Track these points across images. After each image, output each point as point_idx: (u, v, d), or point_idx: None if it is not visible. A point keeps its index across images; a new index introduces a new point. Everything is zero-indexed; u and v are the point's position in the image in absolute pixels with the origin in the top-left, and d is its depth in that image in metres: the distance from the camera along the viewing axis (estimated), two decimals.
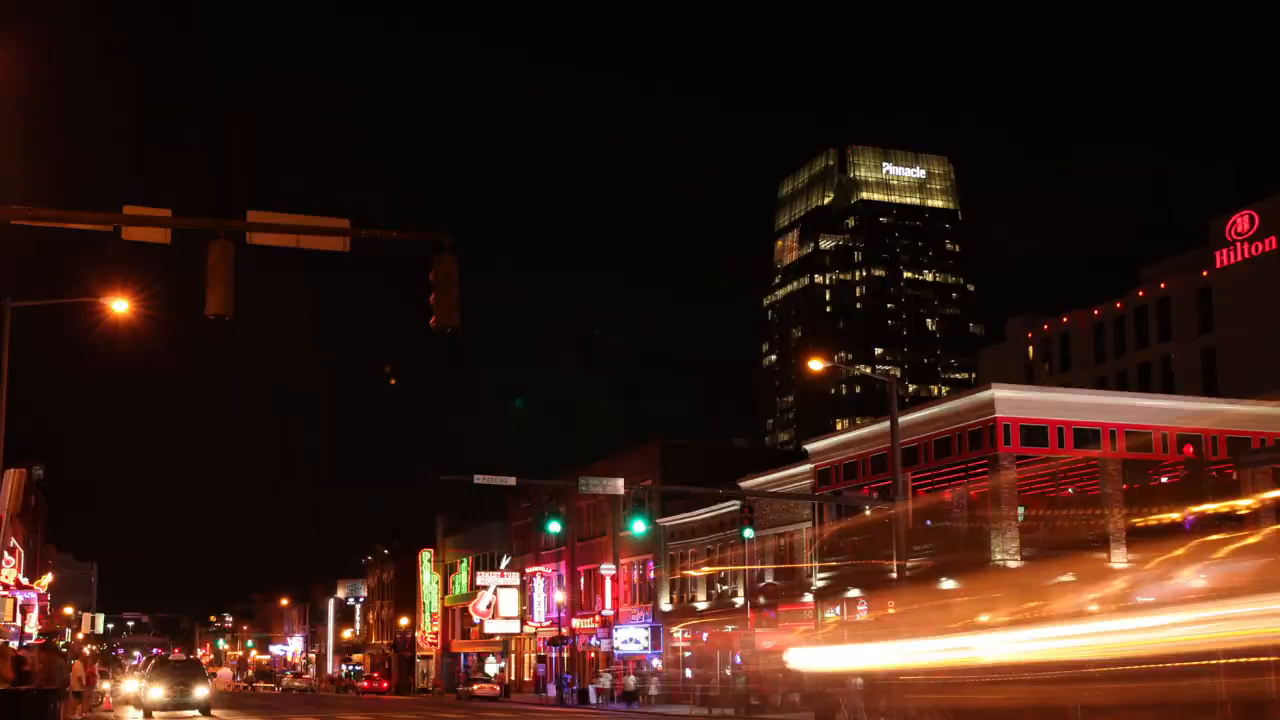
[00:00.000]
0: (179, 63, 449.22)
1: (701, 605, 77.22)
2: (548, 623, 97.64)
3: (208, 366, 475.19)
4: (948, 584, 54.15)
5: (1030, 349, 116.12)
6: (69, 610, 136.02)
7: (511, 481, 55.43)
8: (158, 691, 57.16)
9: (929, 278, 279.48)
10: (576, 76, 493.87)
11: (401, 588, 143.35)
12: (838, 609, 62.78)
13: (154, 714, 55.80)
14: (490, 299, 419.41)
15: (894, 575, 50.42)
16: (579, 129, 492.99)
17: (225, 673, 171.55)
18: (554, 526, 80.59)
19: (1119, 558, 52.29)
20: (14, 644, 53.17)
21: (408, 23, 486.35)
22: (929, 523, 59.61)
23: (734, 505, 67.64)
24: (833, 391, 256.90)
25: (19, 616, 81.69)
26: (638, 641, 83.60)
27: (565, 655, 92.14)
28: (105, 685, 71.09)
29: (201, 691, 58.32)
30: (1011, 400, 53.35)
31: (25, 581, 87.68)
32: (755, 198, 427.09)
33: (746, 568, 71.68)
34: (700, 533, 77.50)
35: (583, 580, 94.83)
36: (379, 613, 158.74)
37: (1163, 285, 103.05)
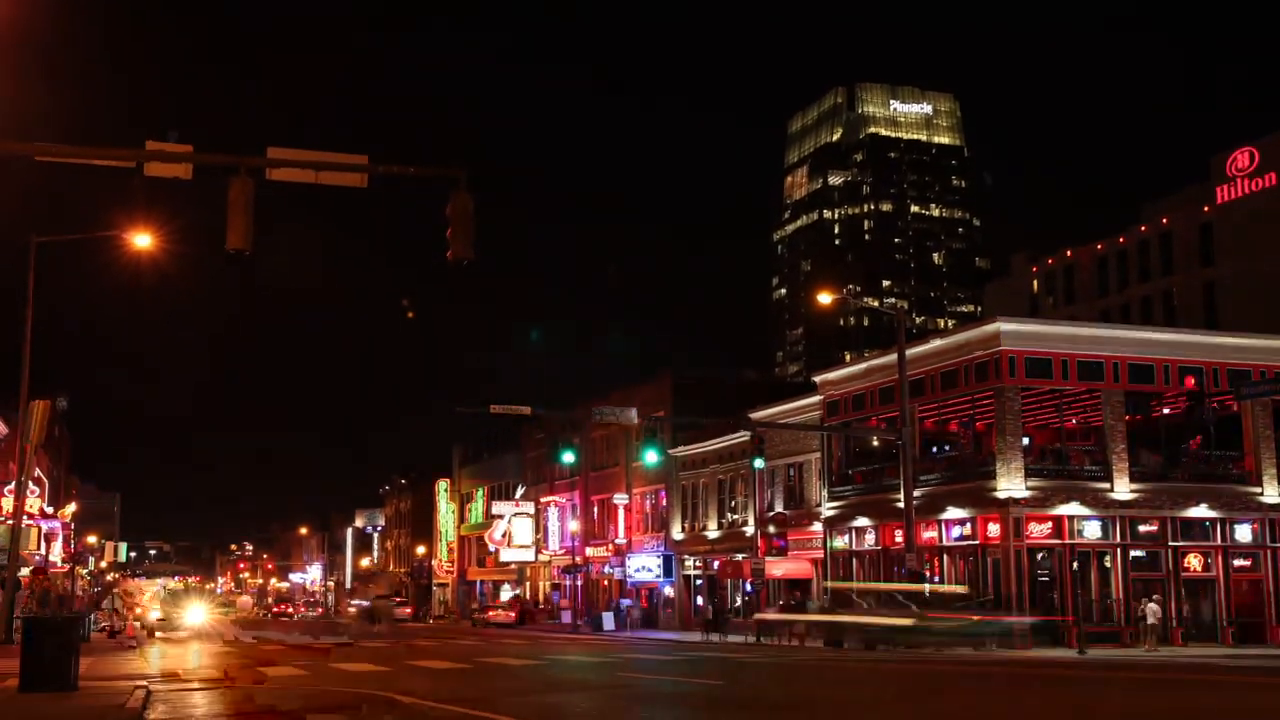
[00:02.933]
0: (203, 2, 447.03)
1: (712, 534, 77.39)
2: (562, 551, 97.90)
3: (229, 300, 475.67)
4: (954, 512, 54.44)
5: (1035, 283, 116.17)
6: (92, 539, 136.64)
7: (526, 411, 55.60)
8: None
9: (935, 212, 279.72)
10: (584, 20, 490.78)
11: (418, 517, 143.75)
12: (846, 538, 62.98)
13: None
14: (506, 234, 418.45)
15: (901, 504, 50.56)
16: (587, 70, 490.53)
17: (246, 600, 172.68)
18: (568, 457, 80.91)
19: (1122, 488, 52.46)
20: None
21: None
22: (932, 452, 59.72)
23: (744, 436, 67.67)
24: (841, 324, 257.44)
25: (43, 545, 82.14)
26: (650, 569, 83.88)
27: (579, 582, 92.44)
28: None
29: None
30: (1016, 333, 53.28)
31: (49, 511, 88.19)
32: (765, 134, 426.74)
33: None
34: (711, 462, 77.63)
35: (596, 509, 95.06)
36: (396, 541, 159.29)
37: (1164, 220, 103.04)
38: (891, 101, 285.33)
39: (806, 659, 36.28)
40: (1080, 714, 20.56)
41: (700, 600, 78.93)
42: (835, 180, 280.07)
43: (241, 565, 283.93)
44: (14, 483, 52.81)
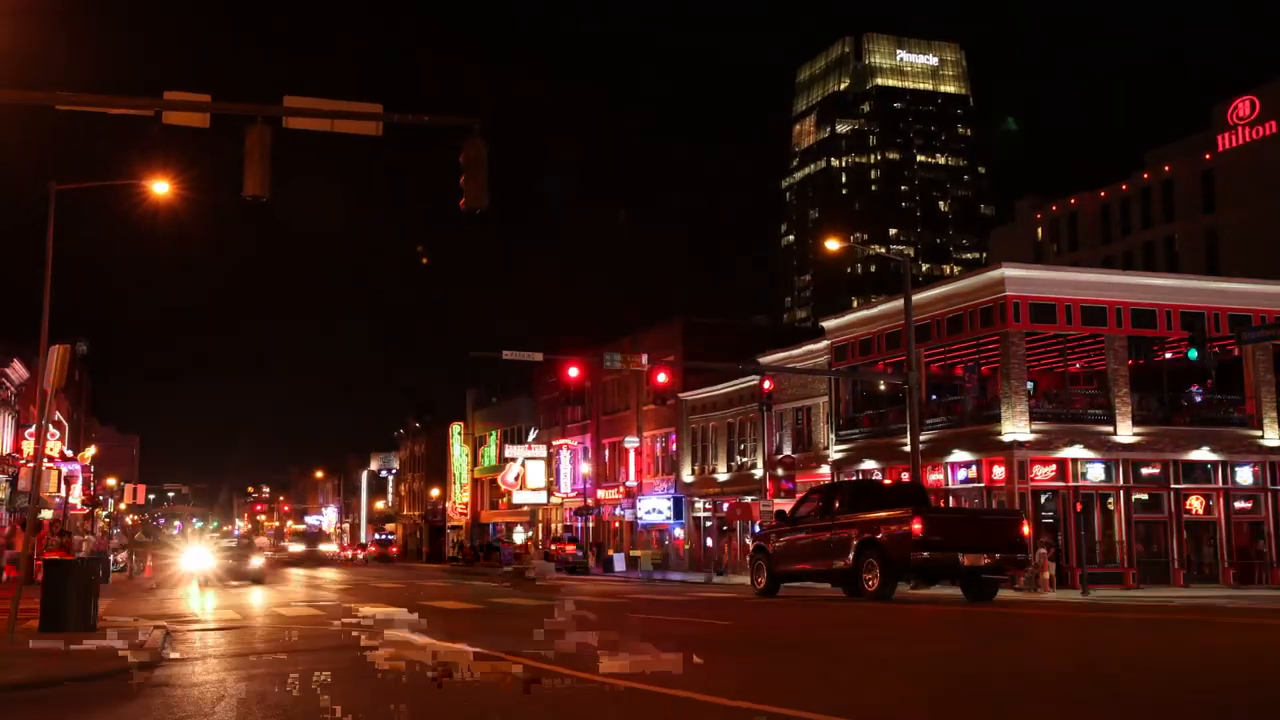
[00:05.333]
0: None
1: (722, 477, 77.58)
2: (573, 493, 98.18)
3: (247, 248, 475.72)
4: (959, 455, 54.51)
5: (1039, 229, 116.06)
6: (111, 481, 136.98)
7: (538, 357, 55.67)
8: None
9: (941, 161, 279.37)
10: None
11: (432, 460, 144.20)
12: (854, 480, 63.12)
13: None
14: (518, 180, 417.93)
15: (908, 448, 50.60)
16: (595, 24, 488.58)
17: (263, 540, 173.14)
18: (579, 401, 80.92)
19: (1125, 431, 52.52)
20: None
21: None
22: (935, 398, 59.75)
23: (753, 380, 67.81)
24: (848, 271, 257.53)
25: (63, 487, 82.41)
26: (660, 512, 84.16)
27: (591, 524, 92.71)
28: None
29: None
30: (1021, 279, 53.28)
31: (69, 454, 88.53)
32: (774, 84, 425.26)
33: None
34: (721, 406, 77.76)
35: (607, 453, 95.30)
36: (410, 484, 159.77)
37: (1166, 168, 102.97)
38: (898, 51, 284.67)
39: (815, 600, 36.28)
40: (1079, 652, 20.58)
41: (710, 542, 79.20)
42: (843, 129, 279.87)
43: (258, 508, 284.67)
44: (34, 426, 53.03)
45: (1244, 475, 54.65)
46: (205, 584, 53.97)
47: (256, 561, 59.38)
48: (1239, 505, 54.64)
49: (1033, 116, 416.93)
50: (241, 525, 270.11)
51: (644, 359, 54.06)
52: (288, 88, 24.15)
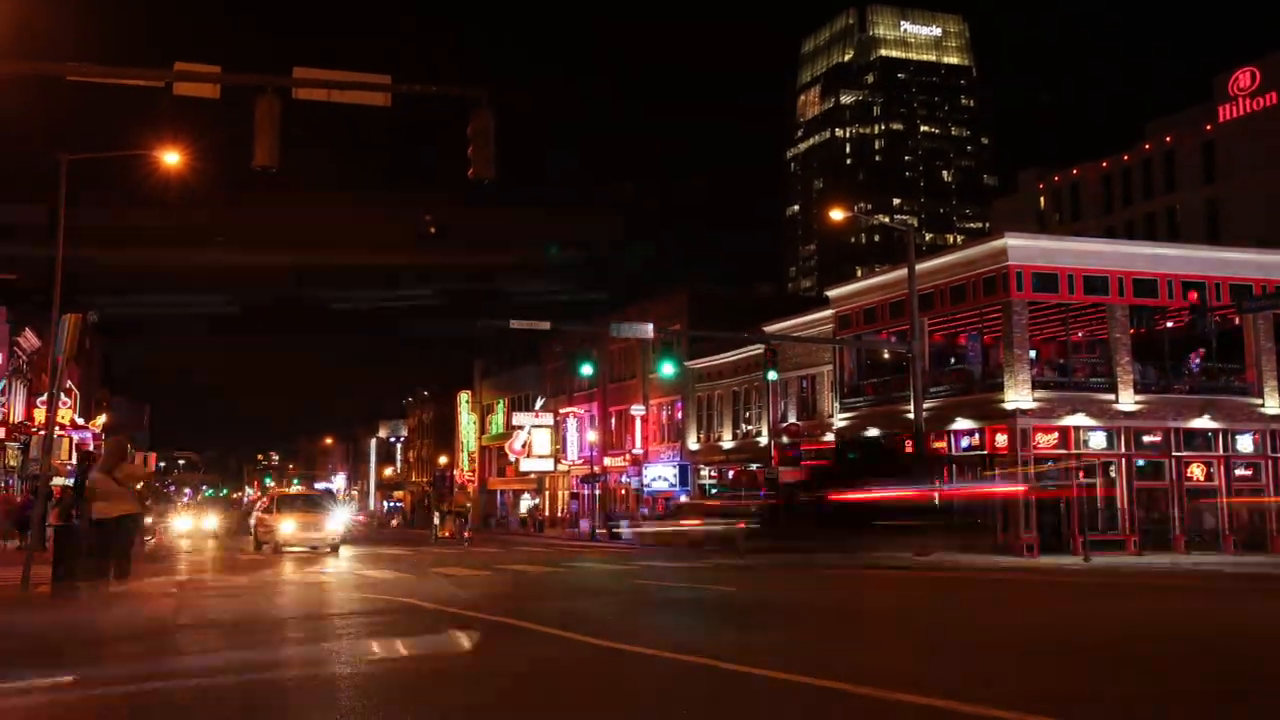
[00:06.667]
0: None
1: (727, 445, 77.62)
2: (580, 461, 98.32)
3: (255, 218, 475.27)
4: (963, 423, 54.54)
5: (1042, 199, 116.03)
6: None
7: (545, 326, 55.55)
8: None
9: (944, 131, 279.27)
10: None
11: (440, 428, 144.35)
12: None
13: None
14: (526, 152, 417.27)
15: (911, 416, 50.58)
16: None
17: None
18: (586, 369, 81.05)
19: (1127, 399, 52.50)
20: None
21: None
22: (939, 367, 59.77)
23: (758, 349, 67.75)
24: (852, 240, 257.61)
25: (74, 455, 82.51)
26: (666, 479, 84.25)
27: (597, 492, 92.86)
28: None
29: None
30: (1024, 248, 53.20)
31: (80, 422, 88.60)
32: (779, 55, 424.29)
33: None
34: (726, 375, 77.79)
35: (613, 420, 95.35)
36: (419, 452, 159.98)
37: (1168, 139, 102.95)
38: (902, 23, 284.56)
39: (821, 567, 36.35)
40: (1077, 615, 20.62)
41: None
42: (847, 100, 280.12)
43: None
44: (46, 394, 53.06)
45: (1244, 443, 54.63)
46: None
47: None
48: (1240, 473, 54.65)
49: (1034, 87, 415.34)
50: (250, 492, 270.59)
51: (650, 328, 54.06)
52: (297, 62, 24.04)
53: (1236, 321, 54.56)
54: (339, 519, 57.08)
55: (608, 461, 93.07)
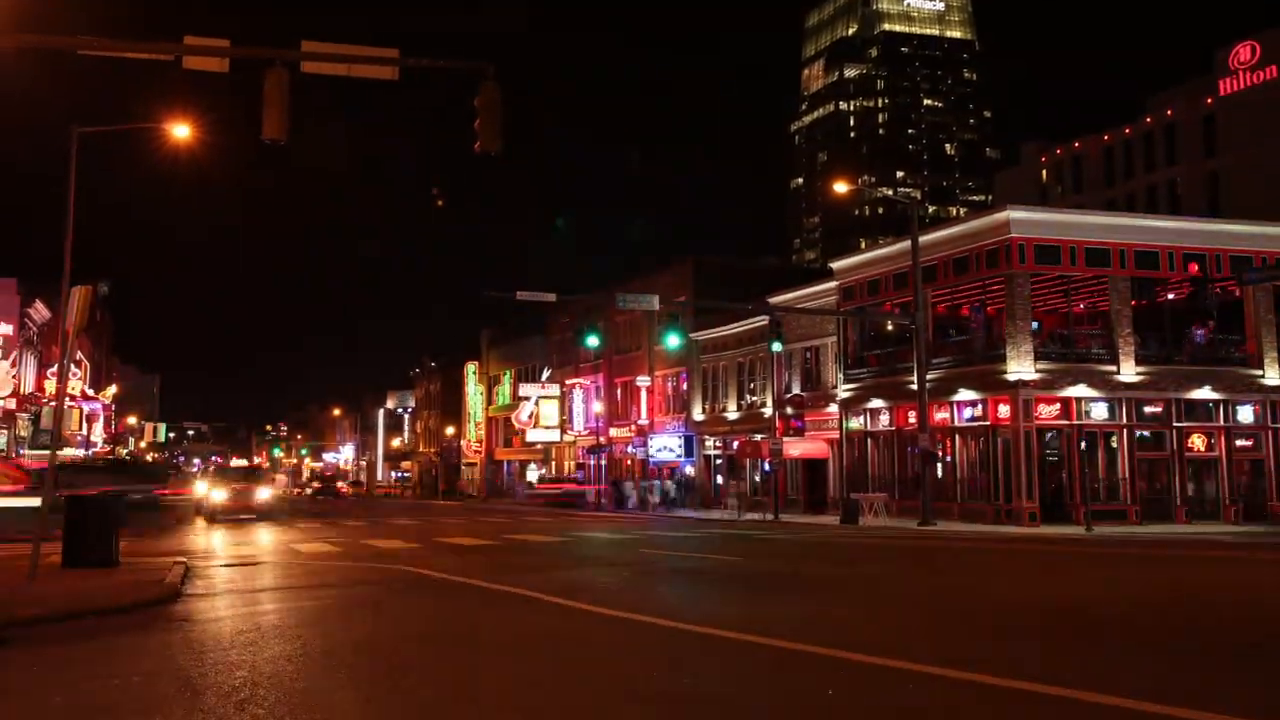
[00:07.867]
0: None
1: (732, 415, 77.63)
2: (586, 431, 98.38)
3: (266, 192, 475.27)
4: (965, 394, 54.52)
5: (1044, 172, 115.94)
6: (132, 420, 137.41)
7: (552, 297, 55.50)
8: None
9: (947, 104, 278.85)
10: None
11: (448, 399, 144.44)
12: (861, 419, 63.21)
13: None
14: (533, 124, 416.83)
15: (915, 386, 50.56)
16: None
17: (281, 478, 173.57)
18: (592, 340, 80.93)
19: (1128, 370, 52.49)
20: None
21: None
22: (942, 338, 59.73)
23: (763, 320, 67.72)
24: (856, 213, 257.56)
25: (85, 425, 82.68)
26: (671, 450, 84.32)
27: (603, 462, 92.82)
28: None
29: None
30: (1026, 221, 53.12)
31: (91, 393, 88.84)
32: (783, 29, 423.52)
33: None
34: (731, 346, 77.74)
35: (619, 391, 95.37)
36: (426, 422, 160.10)
37: (1169, 112, 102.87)
38: None
39: (825, 537, 36.42)
40: (1073, 584, 20.65)
41: (720, 479, 79.35)
42: (851, 73, 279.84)
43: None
44: (57, 365, 53.10)
45: (1245, 414, 54.63)
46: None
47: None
48: (1240, 443, 54.66)
49: (1037, 60, 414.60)
50: (259, 461, 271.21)
51: (655, 299, 54.07)
52: (304, 36, 23.98)
53: (1237, 293, 54.51)
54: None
55: (614, 432, 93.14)
